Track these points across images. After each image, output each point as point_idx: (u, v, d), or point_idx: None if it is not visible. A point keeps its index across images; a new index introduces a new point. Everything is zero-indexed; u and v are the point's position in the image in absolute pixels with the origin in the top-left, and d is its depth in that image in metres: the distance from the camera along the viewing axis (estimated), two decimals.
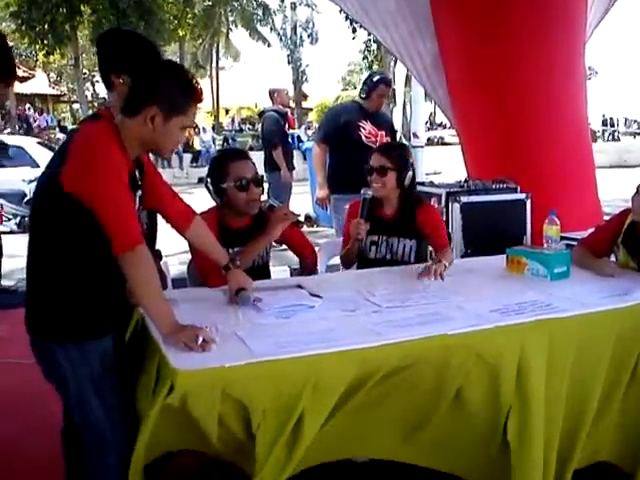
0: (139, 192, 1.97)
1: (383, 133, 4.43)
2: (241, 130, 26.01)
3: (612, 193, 6.91)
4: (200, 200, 2.73)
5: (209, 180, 2.62)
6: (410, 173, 2.76)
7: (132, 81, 1.87)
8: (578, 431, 1.99)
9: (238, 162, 2.58)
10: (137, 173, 1.95)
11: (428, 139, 21.30)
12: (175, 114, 1.82)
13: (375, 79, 4.45)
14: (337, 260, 3.06)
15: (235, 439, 1.68)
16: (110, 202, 1.73)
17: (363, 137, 4.30)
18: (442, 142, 21.98)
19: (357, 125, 4.33)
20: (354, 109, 4.45)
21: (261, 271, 2.69)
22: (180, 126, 1.86)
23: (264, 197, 3.03)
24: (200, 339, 1.71)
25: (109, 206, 1.73)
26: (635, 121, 31.72)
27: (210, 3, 28.32)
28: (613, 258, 2.71)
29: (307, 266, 2.84)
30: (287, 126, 6.49)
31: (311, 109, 34.10)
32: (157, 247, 2.93)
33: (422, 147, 6.88)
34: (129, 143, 1.83)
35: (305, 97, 34.46)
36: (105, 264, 1.79)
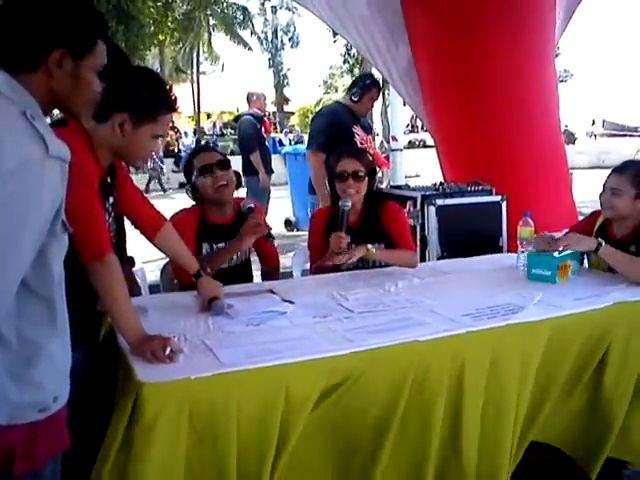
0: (111, 199, 1.94)
1: (370, 138, 4.36)
2: (222, 134, 25.94)
3: (590, 194, 6.96)
4: (182, 205, 2.73)
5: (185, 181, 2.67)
6: (375, 178, 2.77)
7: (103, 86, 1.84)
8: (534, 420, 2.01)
9: (201, 154, 2.66)
10: (109, 179, 1.92)
11: (409, 142, 21.40)
12: (145, 122, 1.79)
13: (368, 82, 4.30)
14: None
15: None
16: (79, 211, 1.70)
17: (358, 143, 4.12)
18: (424, 144, 22.05)
19: (352, 131, 4.17)
20: (345, 113, 4.25)
21: (242, 269, 2.68)
22: (150, 134, 1.83)
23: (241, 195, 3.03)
24: (167, 349, 1.68)
25: (77, 214, 1.70)
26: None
27: (190, 7, 28.17)
28: (586, 259, 2.73)
29: (267, 274, 2.84)
30: (263, 130, 6.46)
31: (293, 113, 34.11)
32: (130, 254, 2.90)
33: (401, 150, 6.87)
34: (100, 150, 1.81)
35: (287, 101, 34.45)
36: (73, 275, 1.75)
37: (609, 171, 2.57)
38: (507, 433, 1.88)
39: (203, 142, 21.85)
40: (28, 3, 1.21)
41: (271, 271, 2.86)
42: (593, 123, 29.51)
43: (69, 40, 1.22)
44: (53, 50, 1.20)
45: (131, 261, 2.92)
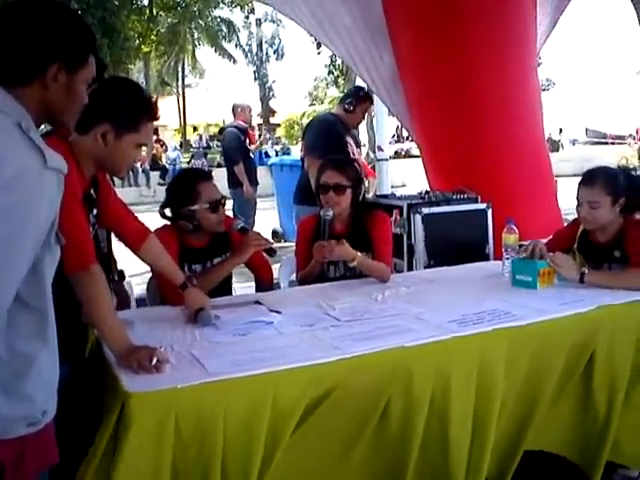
0: (95, 210, 1.94)
1: (359, 151, 4.38)
2: (209, 147, 25.88)
3: (575, 201, 7.02)
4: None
5: (170, 202, 2.59)
6: (362, 189, 2.75)
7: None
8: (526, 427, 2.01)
9: (207, 183, 2.58)
10: (92, 191, 1.91)
11: (395, 152, 21.50)
12: (127, 131, 1.79)
13: (362, 94, 4.35)
14: None
15: None
16: (63, 222, 1.69)
17: (350, 153, 4.13)
18: (408, 155, 22.17)
19: (345, 141, 4.17)
20: (338, 123, 4.26)
21: (222, 286, 2.66)
22: (133, 144, 1.83)
23: (229, 214, 3.01)
24: (154, 360, 1.67)
25: (62, 225, 1.69)
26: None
27: (175, 20, 28.24)
28: None
29: (262, 286, 2.81)
30: (248, 142, 6.47)
31: (279, 125, 34.18)
32: (120, 267, 2.89)
33: (387, 160, 6.90)
34: (83, 161, 1.80)
35: (273, 113, 34.53)
36: (58, 287, 1.74)
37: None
38: (491, 437, 1.89)
39: (189, 155, 21.84)
40: (24, 18, 1.22)
41: (268, 283, 2.82)
42: (560, 132, 29.59)
43: (65, 54, 1.24)
44: (51, 64, 1.21)
45: (121, 274, 2.92)
